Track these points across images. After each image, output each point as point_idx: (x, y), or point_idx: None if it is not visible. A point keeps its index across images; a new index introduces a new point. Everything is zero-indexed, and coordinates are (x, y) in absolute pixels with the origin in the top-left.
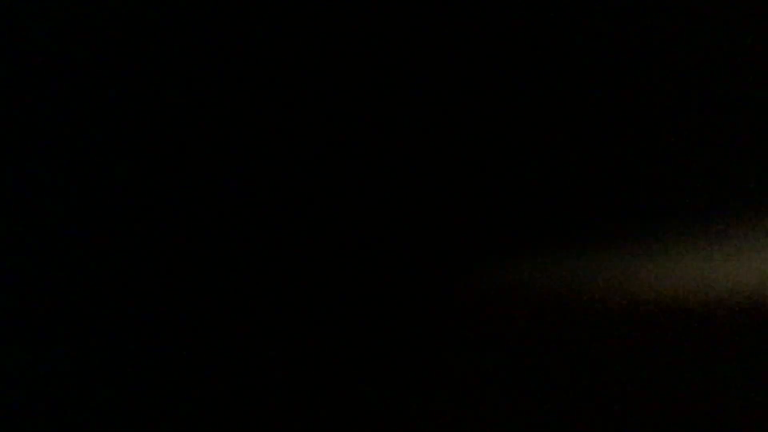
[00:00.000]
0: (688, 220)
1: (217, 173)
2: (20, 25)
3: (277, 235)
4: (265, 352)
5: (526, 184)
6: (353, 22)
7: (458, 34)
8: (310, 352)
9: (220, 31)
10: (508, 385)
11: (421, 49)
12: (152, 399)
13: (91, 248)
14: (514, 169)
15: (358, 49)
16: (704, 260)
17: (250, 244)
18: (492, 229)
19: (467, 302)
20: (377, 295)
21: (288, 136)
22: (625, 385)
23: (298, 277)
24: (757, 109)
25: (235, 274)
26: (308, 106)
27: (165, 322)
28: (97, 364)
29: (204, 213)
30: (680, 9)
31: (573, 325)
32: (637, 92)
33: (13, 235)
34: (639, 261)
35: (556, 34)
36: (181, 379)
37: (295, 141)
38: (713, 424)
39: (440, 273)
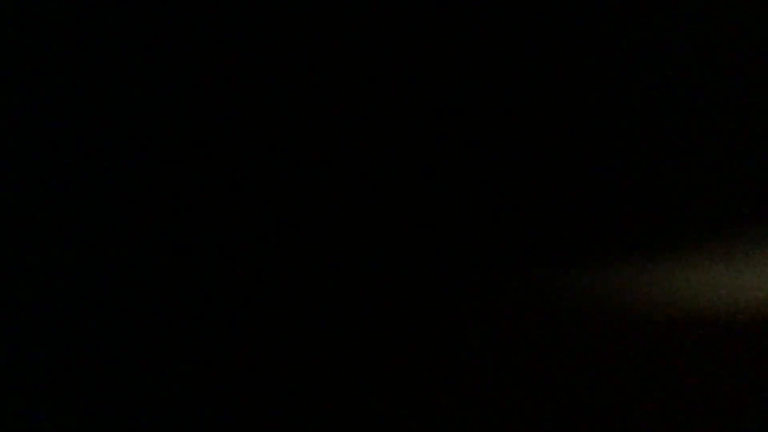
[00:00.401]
0: (697, 230)
1: (224, 173)
2: (20, 25)
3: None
4: (286, 351)
5: (540, 197)
6: (354, 22)
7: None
8: (334, 353)
9: (220, 31)
10: (518, 388)
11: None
12: (152, 399)
13: (91, 248)
14: (526, 183)
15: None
16: (711, 269)
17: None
18: (506, 241)
19: (480, 310)
20: (402, 303)
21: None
22: (631, 389)
23: (324, 281)
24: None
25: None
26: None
27: (165, 321)
28: (96, 363)
29: (205, 213)
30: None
31: (584, 332)
32: (649, 110)
33: (13, 234)
34: (649, 269)
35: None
36: (181, 379)
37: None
38: (716, 427)
39: (456, 282)
